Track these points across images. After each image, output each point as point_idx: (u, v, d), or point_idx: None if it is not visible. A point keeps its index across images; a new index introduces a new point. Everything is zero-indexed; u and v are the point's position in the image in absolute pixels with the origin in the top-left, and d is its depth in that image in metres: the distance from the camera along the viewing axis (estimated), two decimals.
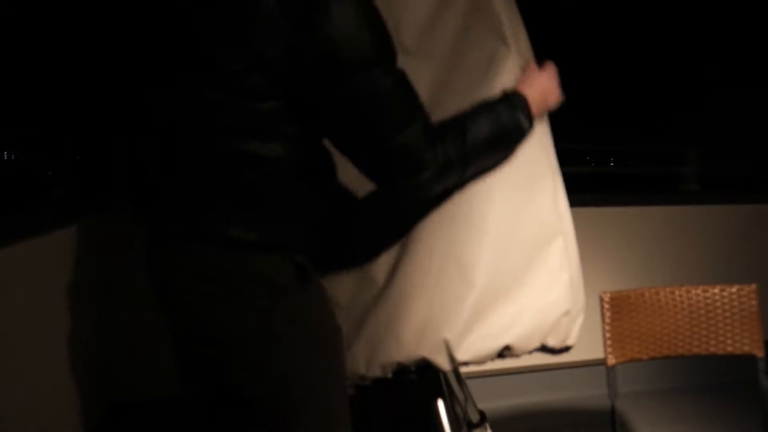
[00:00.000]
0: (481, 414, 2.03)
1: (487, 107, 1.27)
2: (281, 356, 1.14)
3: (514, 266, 1.35)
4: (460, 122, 1.23)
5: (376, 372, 1.36)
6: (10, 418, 1.54)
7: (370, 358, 1.36)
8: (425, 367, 1.39)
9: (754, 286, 1.85)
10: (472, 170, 1.27)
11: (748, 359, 1.83)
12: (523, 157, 1.35)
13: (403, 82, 1.14)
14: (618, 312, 1.81)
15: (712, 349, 1.85)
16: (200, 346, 1.17)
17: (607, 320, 1.80)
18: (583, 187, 3.75)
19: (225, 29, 1.07)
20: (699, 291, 1.86)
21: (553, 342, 1.41)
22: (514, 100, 1.29)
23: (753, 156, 4.25)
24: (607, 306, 1.80)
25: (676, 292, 1.86)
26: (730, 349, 1.85)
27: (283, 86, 1.07)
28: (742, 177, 4.29)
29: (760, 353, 1.83)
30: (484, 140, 1.24)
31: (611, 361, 1.79)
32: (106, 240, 2.36)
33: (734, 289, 1.85)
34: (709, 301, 1.85)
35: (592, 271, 3.01)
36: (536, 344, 1.40)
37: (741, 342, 1.84)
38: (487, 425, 2.02)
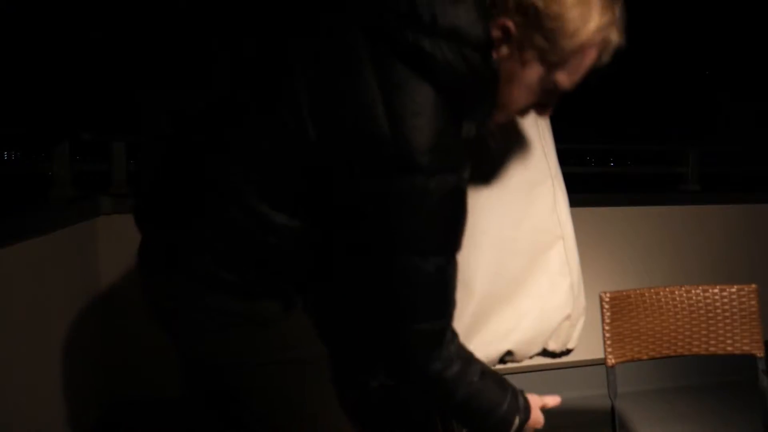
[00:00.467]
0: None
1: (502, 385, 1.19)
2: (271, 382, 1.14)
3: (515, 272, 1.35)
4: (475, 364, 1.16)
5: (379, 380, 1.36)
6: (10, 418, 1.54)
7: None
8: None
9: (754, 286, 1.85)
10: (451, 406, 1.16)
11: (748, 359, 1.83)
12: (523, 163, 1.35)
13: (454, 272, 1.07)
14: (618, 312, 1.81)
15: (712, 349, 1.85)
16: (195, 367, 1.19)
17: (607, 320, 1.80)
18: (583, 187, 3.75)
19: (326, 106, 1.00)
20: (699, 291, 1.86)
21: (554, 346, 1.41)
22: (524, 406, 1.22)
23: (753, 156, 4.25)
24: (606, 306, 1.80)
25: (676, 292, 1.86)
26: (730, 348, 1.85)
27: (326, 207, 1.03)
28: (742, 177, 4.29)
29: (760, 353, 1.83)
30: (478, 400, 1.15)
31: (611, 361, 1.79)
32: (106, 240, 2.36)
33: (734, 289, 1.85)
34: (709, 301, 1.85)
35: (592, 271, 3.01)
36: (537, 349, 1.40)
37: (741, 342, 1.84)
38: None
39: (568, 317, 1.40)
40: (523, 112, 1.16)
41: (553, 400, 1.29)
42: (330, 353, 1.20)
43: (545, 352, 1.44)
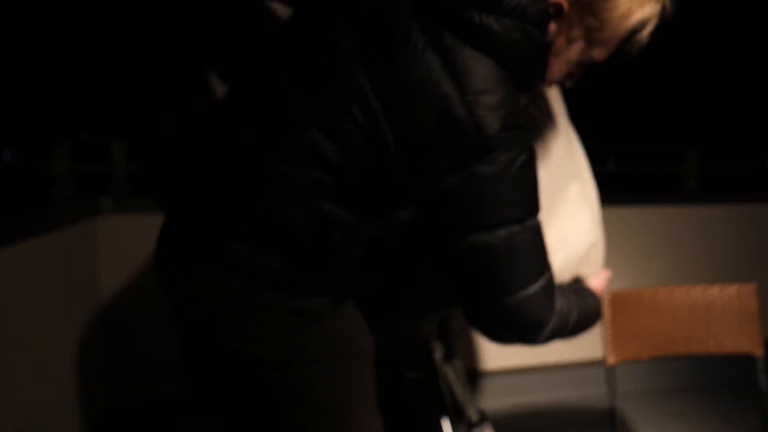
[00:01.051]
0: (481, 414, 2.03)
1: (578, 287, 1.34)
2: (318, 379, 1.13)
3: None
4: (565, 290, 1.24)
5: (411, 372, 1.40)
6: (10, 418, 1.54)
7: None
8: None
9: (753, 285, 1.85)
10: (565, 333, 1.28)
11: (748, 359, 1.83)
12: (540, 111, 1.39)
13: (539, 233, 1.10)
14: (618, 312, 1.81)
15: (712, 349, 1.85)
16: (219, 362, 1.15)
17: (607, 320, 1.80)
18: None
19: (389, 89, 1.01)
20: (698, 290, 1.86)
21: (586, 271, 1.44)
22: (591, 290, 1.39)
23: (752, 156, 4.25)
24: (606, 306, 1.80)
25: (676, 292, 1.86)
26: (729, 348, 1.84)
27: (399, 177, 1.04)
28: (742, 177, 4.29)
29: (759, 353, 1.82)
30: (583, 313, 1.30)
31: (611, 360, 1.79)
32: (106, 240, 2.36)
33: (734, 289, 1.85)
34: (708, 300, 1.85)
35: None
36: (568, 276, 1.44)
37: (740, 341, 1.84)
38: (488, 425, 2.02)
39: (594, 244, 1.43)
40: (556, 81, 1.20)
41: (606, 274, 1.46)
42: (375, 344, 1.21)
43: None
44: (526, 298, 1.09)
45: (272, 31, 1.16)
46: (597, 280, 1.43)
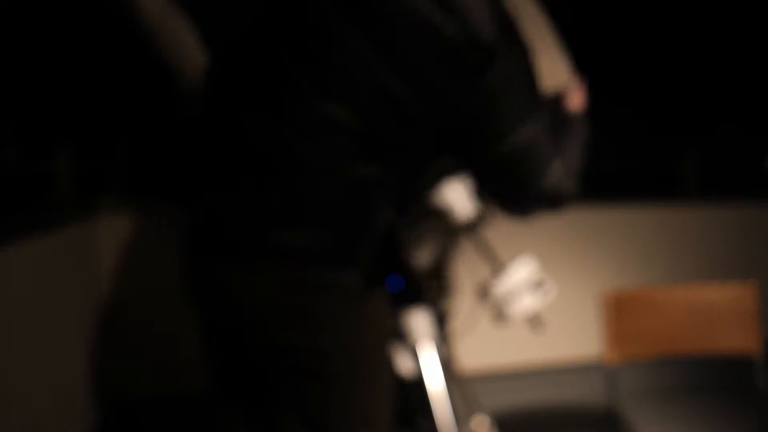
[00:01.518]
0: (482, 414, 2.03)
1: (556, 108, 1.33)
2: (355, 359, 1.16)
3: None
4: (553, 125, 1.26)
5: None
6: (10, 418, 1.54)
7: None
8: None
9: (753, 285, 1.85)
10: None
11: (747, 359, 1.83)
12: None
13: (546, 124, 1.15)
14: (618, 312, 1.81)
15: (712, 349, 1.85)
16: (279, 356, 1.16)
17: (607, 320, 1.80)
18: (584, 187, 3.75)
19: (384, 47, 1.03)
20: (698, 291, 1.86)
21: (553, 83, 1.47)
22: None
23: (752, 156, 4.25)
24: (606, 306, 1.81)
25: (676, 292, 1.86)
26: (729, 348, 1.85)
27: (422, 121, 1.06)
28: (742, 177, 4.29)
29: (759, 353, 1.83)
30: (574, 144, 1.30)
31: (611, 361, 1.80)
32: (106, 240, 2.36)
33: (733, 289, 1.85)
34: (708, 300, 1.86)
35: (592, 271, 3.03)
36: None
37: (740, 341, 1.84)
38: (488, 425, 2.02)
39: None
40: None
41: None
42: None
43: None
44: (551, 174, 1.16)
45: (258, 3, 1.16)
46: (572, 99, 1.41)
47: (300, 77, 1.05)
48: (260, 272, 1.09)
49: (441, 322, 1.81)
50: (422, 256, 1.69)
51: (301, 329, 1.12)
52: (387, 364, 1.26)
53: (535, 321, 1.62)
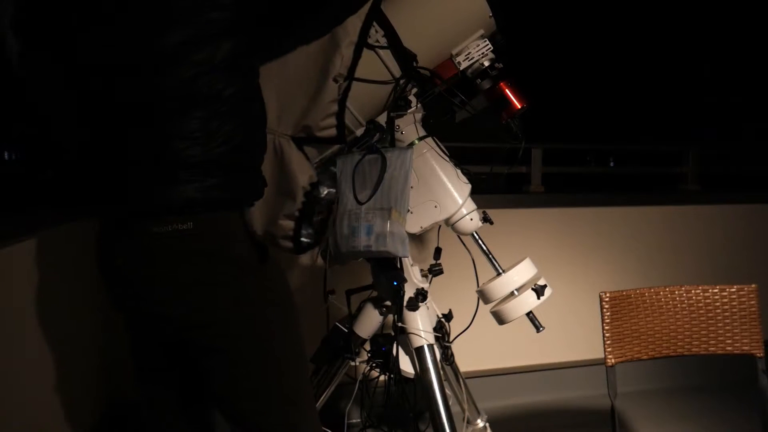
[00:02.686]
0: (481, 414, 2.03)
1: None
2: (253, 331, 1.22)
3: None
4: None
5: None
6: (10, 418, 1.54)
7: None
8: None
9: (754, 286, 1.85)
10: None
11: (748, 359, 1.83)
12: None
13: None
14: (618, 312, 1.81)
15: (712, 349, 1.85)
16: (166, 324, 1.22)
17: (607, 320, 1.80)
18: (583, 187, 3.76)
19: None
20: (699, 291, 1.86)
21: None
22: None
23: (752, 156, 4.25)
24: (606, 306, 1.80)
25: (676, 292, 1.86)
26: (729, 349, 1.85)
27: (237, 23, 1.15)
28: (742, 177, 4.29)
29: (759, 353, 1.83)
30: None
31: (611, 361, 1.80)
32: None
33: (734, 289, 1.85)
34: (708, 301, 1.85)
35: (592, 271, 3.02)
36: None
37: (741, 342, 1.84)
38: (487, 425, 2.02)
39: None
40: None
41: None
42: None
43: None
44: None
45: None
46: None
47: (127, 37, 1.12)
48: (152, 240, 1.15)
49: (441, 322, 1.81)
50: None
51: (197, 301, 1.18)
52: (291, 337, 1.30)
53: (534, 321, 1.62)
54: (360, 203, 1.54)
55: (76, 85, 1.16)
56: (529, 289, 1.59)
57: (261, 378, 1.24)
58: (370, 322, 1.77)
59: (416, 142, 1.66)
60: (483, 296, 1.66)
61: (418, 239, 2.28)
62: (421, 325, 1.71)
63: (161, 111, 1.12)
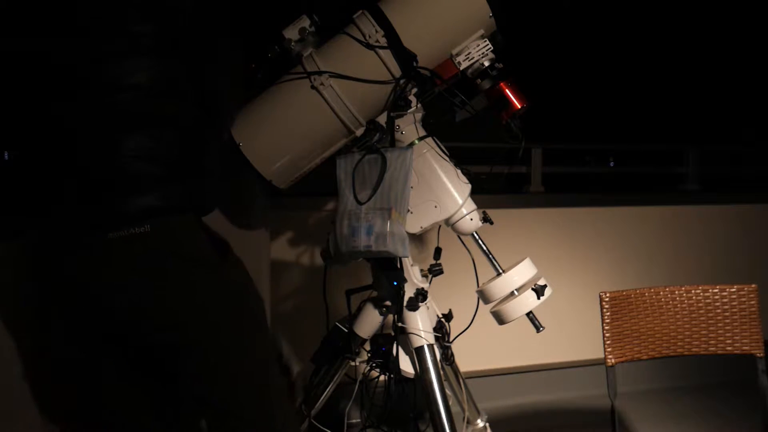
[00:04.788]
0: (481, 414, 2.03)
1: None
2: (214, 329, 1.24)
3: None
4: None
5: None
6: (10, 418, 1.54)
7: None
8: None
9: (754, 286, 1.85)
10: None
11: (748, 359, 1.83)
12: None
13: None
14: (618, 312, 1.81)
15: (712, 349, 1.85)
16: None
17: (607, 320, 1.80)
18: (584, 187, 3.75)
19: None
20: (699, 291, 1.86)
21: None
22: None
23: (752, 156, 4.25)
24: (606, 306, 1.80)
25: (676, 292, 1.86)
26: (730, 349, 1.85)
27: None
28: (742, 177, 4.29)
29: (759, 353, 1.83)
30: None
31: (611, 361, 1.80)
32: None
33: (734, 289, 1.85)
34: (708, 301, 1.85)
35: (592, 271, 3.02)
36: None
37: (741, 342, 1.84)
38: (487, 425, 2.02)
39: None
40: None
41: None
42: None
43: None
44: None
45: None
46: None
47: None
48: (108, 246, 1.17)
49: (441, 322, 1.81)
50: None
51: (154, 300, 1.20)
52: (252, 333, 1.31)
53: (534, 321, 1.62)
54: (360, 203, 1.54)
55: None
56: (529, 289, 1.59)
57: (226, 376, 1.27)
58: (370, 322, 1.77)
59: (416, 142, 1.66)
60: (483, 296, 1.66)
61: (418, 239, 2.28)
62: (421, 325, 1.70)
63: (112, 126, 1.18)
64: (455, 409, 1.78)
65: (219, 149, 1.38)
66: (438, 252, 1.79)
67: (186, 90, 1.24)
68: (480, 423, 2.00)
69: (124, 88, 1.16)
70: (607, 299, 1.81)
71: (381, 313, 1.77)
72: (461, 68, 1.59)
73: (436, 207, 1.64)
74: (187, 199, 1.22)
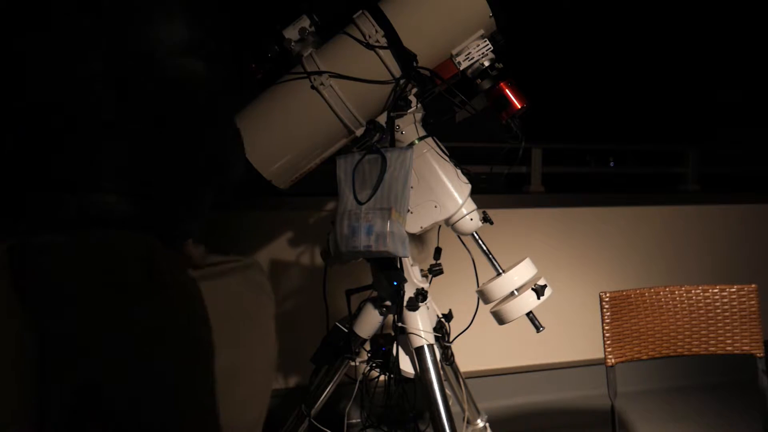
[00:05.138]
0: (481, 414, 2.03)
1: None
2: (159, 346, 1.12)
3: None
4: None
5: None
6: (9, 418, 1.53)
7: None
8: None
9: (753, 286, 1.85)
10: None
11: (748, 359, 1.83)
12: None
13: None
14: (618, 312, 1.81)
15: (712, 349, 1.85)
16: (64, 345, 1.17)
17: (607, 320, 1.80)
18: (583, 187, 3.75)
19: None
20: (699, 291, 1.86)
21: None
22: None
23: (752, 156, 4.25)
24: (606, 306, 1.81)
25: (676, 292, 1.86)
26: (729, 348, 1.85)
27: None
28: (742, 177, 4.29)
29: (759, 353, 1.83)
30: None
31: (611, 361, 1.80)
32: None
33: (734, 289, 1.85)
34: (708, 301, 1.85)
35: (592, 271, 3.02)
36: None
37: (741, 342, 1.84)
38: (487, 425, 2.02)
39: None
40: None
41: None
42: None
43: None
44: None
45: None
46: None
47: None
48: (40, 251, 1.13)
49: (441, 322, 1.81)
50: None
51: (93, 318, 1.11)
52: (199, 350, 1.16)
53: (534, 321, 1.62)
54: (360, 203, 1.54)
55: None
56: (529, 289, 1.59)
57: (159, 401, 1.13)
58: (370, 322, 1.77)
59: (416, 142, 1.66)
60: (483, 296, 1.66)
61: (418, 239, 2.28)
62: (421, 325, 1.70)
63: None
64: (455, 409, 1.78)
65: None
66: (438, 252, 1.79)
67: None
68: (480, 423, 2.00)
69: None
70: (607, 299, 1.81)
71: (381, 313, 1.77)
72: (461, 68, 1.59)
73: (436, 207, 1.64)
74: (134, 211, 1.12)
